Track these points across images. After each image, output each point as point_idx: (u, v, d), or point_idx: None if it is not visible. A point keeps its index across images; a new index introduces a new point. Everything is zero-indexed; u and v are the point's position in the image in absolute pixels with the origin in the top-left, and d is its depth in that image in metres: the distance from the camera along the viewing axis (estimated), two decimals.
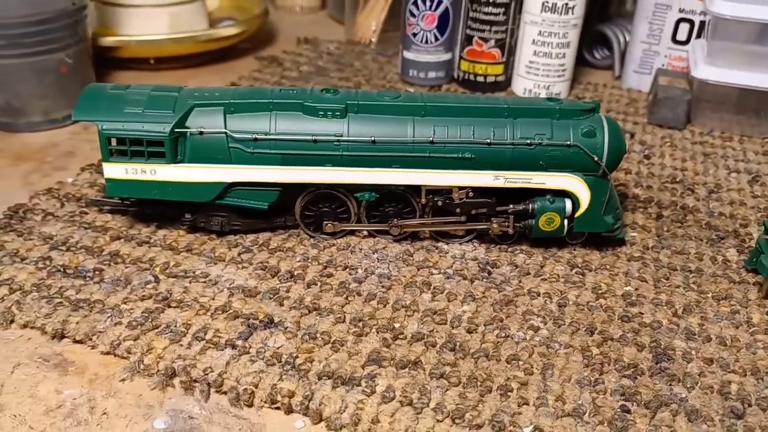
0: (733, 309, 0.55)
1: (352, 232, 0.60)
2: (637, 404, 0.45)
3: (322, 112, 0.55)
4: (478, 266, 0.57)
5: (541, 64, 0.88)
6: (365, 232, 0.60)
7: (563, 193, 0.57)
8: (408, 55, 0.91)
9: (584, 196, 0.56)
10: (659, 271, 0.58)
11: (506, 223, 0.58)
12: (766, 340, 0.51)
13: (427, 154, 0.55)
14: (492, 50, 0.89)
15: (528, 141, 0.55)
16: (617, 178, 0.73)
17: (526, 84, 0.90)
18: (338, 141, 0.55)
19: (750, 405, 0.46)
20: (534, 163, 0.56)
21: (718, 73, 0.82)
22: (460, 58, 0.92)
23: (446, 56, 0.91)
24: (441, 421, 0.43)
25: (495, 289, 0.55)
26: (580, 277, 0.57)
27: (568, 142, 0.55)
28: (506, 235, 0.59)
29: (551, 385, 0.46)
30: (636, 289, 0.56)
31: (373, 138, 0.55)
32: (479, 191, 0.57)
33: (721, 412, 0.45)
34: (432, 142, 0.55)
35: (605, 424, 0.43)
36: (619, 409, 0.45)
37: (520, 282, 0.56)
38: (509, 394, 0.45)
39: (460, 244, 0.60)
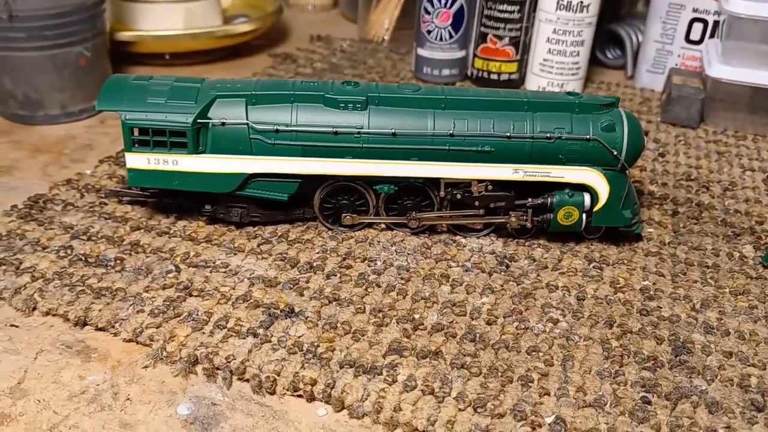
0: (751, 304, 0.55)
1: (370, 225, 0.60)
2: (657, 396, 0.45)
3: (343, 105, 0.55)
4: (496, 260, 0.58)
5: (555, 62, 0.88)
6: (383, 225, 0.60)
7: (582, 187, 0.57)
8: (422, 52, 0.92)
9: (603, 190, 0.56)
10: (676, 267, 0.58)
11: (524, 217, 0.58)
12: None
13: (447, 147, 0.55)
14: (506, 48, 0.89)
15: (548, 135, 0.55)
16: (633, 175, 0.73)
17: (540, 82, 0.90)
18: (359, 133, 0.55)
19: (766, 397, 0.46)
20: (553, 157, 0.56)
21: (732, 72, 0.82)
22: (474, 55, 0.92)
23: (460, 54, 0.92)
24: (463, 410, 0.43)
25: (513, 282, 0.55)
26: (598, 271, 0.57)
27: (588, 136, 0.55)
28: (524, 229, 0.59)
29: (572, 376, 0.46)
30: (654, 284, 0.56)
31: (393, 130, 0.55)
32: (498, 185, 0.57)
33: (742, 404, 0.45)
34: (452, 135, 0.55)
35: (626, 415, 0.44)
36: (639, 401, 0.45)
37: (538, 275, 0.56)
38: (530, 384, 0.45)
39: (478, 237, 0.60)
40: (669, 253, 0.60)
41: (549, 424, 0.42)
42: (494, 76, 0.91)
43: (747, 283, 0.57)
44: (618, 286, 0.56)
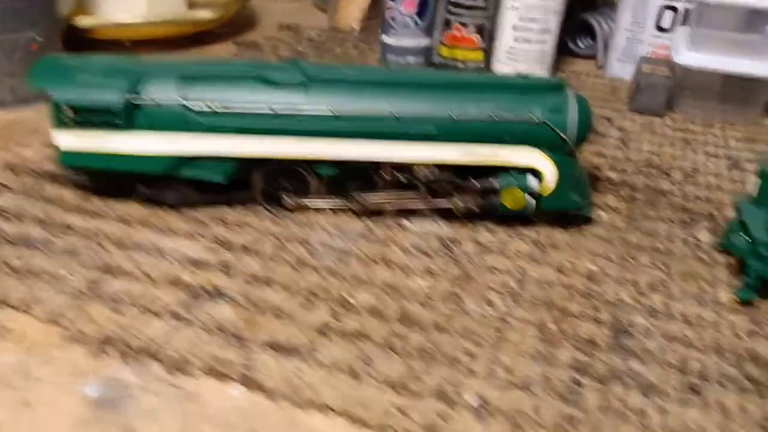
0: (700, 288, 0.53)
1: (313, 208, 0.59)
2: (590, 378, 0.43)
3: (282, 84, 0.54)
4: (440, 243, 0.56)
5: (521, 51, 0.87)
6: (327, 209, 0.59)
7: (529, 171, 0.56)
8: (387, 39, 0.90)
9: (550, 172, 0.55)
10: (627, 251, 0.57)
11: (471, 200, 0.56)
12: (733, 319, 0.50)
13: (391, 129, 0.54)
14: (471, 36, 0.88)
15: (493, 116, 0.54)
16: (591, 161, 0.71)
17: (506, 70, 0.89)
18: (298, 113, 0.53)
19: (709, 382, 0.44)
20: (499, 139, 0.54)
21: (700, 59, 0.80)
22: (440, 43, 0.91)
23: (426, 41, 0.90)
24: (382, 391, 0.41)
25: (455, 265, 0.53)
26: (544, 254, 0.56)
27: (535, 118, 0.54)
28: (471, 213, 0.58)
29: (502, 358, 0.44)
30: (601, 268, 0.55)
31: (334, 111, 0.53)
32: (443, 167, 0.55)
33: (678, 387, 0.43)
34: (395, 116, 0.54)
35: (554, 396, 0.42)
36: (570, 382, 0.43)
37: (482, 259, 0.54)
38: (457, 365, 0.44)
39: (424, 221, 0.58)
40: (620, 238, 0.59)
41: (471, 405, 0.41)
42: (460, 65, 0.90)
43: (699, 267, 0.55)
44: (563, 270, 0.54)
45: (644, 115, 0.84)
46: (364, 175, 0.56)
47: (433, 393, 0.41)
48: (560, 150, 0.55)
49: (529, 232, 0.58)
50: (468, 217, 0.59)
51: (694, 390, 0.43)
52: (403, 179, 0.55)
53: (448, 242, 0.56)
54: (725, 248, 0.56)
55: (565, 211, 0.57)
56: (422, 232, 0.57)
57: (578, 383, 0.43)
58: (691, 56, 0.80)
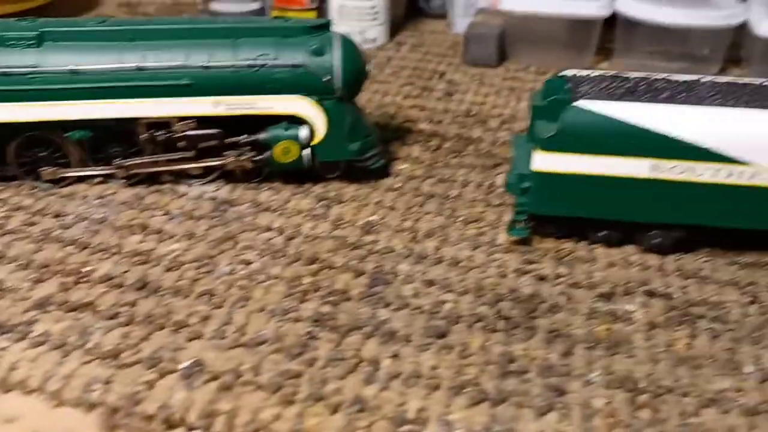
0: (480, 231, 0.51)
1: (82, 179, 0.54)
2: (328, 330, 0.41)
3: (11, 42, 0.49)
4: (213, 206, 0.53)
5: (352, 8, 0.84)
6: (97, 179, 0.54)
7: (302, 121, 0.53)
8: (215, 6, 0.86)
9: (319, 121, 0.52)
10: (414, 200, 0.54)
11: (243, 157, 0.53)
12: (504, 259, 0.48)
13: (138, 83, 0.50)
14: None
15: (250, 63, 0.51)
16: (408, 115, 0.69)
17: (342, 29, 0.86)
18: (32, 74, 0.49)
19: (457, 323, 0.42)
20: (261, 88, 0.51)
21: (524, 3, 0.78)
22: (271, 7, 0.87)
23: (255, 5, 0.86)
24: (88, 363, 0.38)
25: (221, 227, 0.50)
26: (325, 209, 0.53)
27: (295, 63, 0.51)
28: (254, 171, 0.55)
29: (236, 318, 0.41)
30: (382, 218, 0.52)
31: (73, 68, 0.49)
32: (205, 122, 0.52)
33: (422, 332, 0.41)
34: (140, 69, 0.50)
35: (282, 352, 0.39)
36: (305, 337, 0.40)
37: (255, 219, 0.51)
38: (183, 330, 0.40)
39: (202, 184, 0.55)
40: (412, 188, 0.56)
41: (182, 369, 0.38)
42: None
43: (484, 210, 0.53)
44: (339, 223, 0.51)
45: (478, 66, 0.82)
46: (125, 138, 0.52)
47: (146, 361, 0.38)
48: (330, 96, 0.52)
49: (318, 189, 0.55)
50: (251, 177, 0.55)
51: (439, 334, 0.41)
52: (161, 138, 0.51)
53: (222, 204, 0.53)
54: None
55: (343, 161, 0.54)
56: (197, 195, 0.54)
57: (314, 337, 0.40)
58: (514, 1, 0.78)
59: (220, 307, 0.42)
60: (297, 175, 0.56)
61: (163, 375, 0.37)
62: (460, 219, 0.52)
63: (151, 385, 0.37)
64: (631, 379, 0.38)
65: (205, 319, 0.41)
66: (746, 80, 0.48)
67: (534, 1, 0.77)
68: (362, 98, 0.72)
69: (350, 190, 0.55)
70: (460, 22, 0.92)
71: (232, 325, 0.41)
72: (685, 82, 0.48)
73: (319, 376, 0.38)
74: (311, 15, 0.86)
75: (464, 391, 0.37)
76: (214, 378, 0.37)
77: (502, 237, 0.50)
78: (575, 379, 0.38)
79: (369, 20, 0.84)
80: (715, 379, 0.38)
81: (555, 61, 0.82)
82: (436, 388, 0.37)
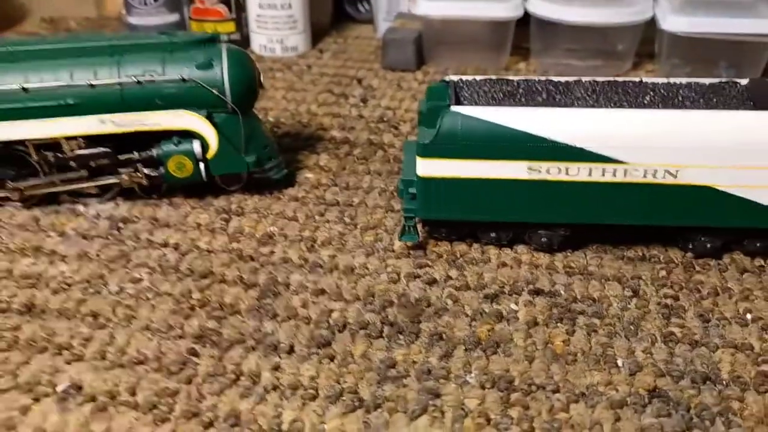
0: (377, 237, 0.51)
1: None
2: (211, 346, 0.41)
3: None
4: (111, 224, 0.52)
5: (269, 17, 0.84)
6: None
7: (195, 135, 0.53)
8: (131, 20, 0.85)
9: (210, 135, 0.51)
10: (316, 209, 0.55)
11: (138, 174, 0.53)
12: (396, 265, 0.48)
13: (23, 104, 0.49)
14: (216, 7, 0.84)
15: (137, 79, 0.50)
16: (322, 122, 0.69)
17: (260, 40, 0.86)
18: None
19: (342, 331, 0.42)
20: (150, 103, 0.51)
21: (438, 7, 0.79)
22: (190, 18, 0.87)
23: (172, 17, 0.86)
24: None
25: (116, 245, 0.50)
26: (224, 223, 0.53)
27: (183, 77, 0.51)
28: (153, 187, 0.54)
29: (119, 337, 0.41)
30: (281, 229, 0.52)
31: None
32: (94, 141, 0.51)
33: (306, 342, 0.41)
34: (25, 90, 0.49)
35: (161, 370, 0.39)
36: (186, 354, 0.40)
37: (150, 235, 0.51)
38: (65, 352, 0.40)
39: (100, 203, 0.55)
40: (316, 196, 0.56)
41: (59, 392, 0.38)
42: None
43: (384, 216, 0.53)
44: (237, 236, 0.51)
45: (396, 71, 0.83)
46: (17, 160, 0.52)
47: (23, 386, 0.38)
48: (222, 109, 0.52)
49: (219, 202, 0.55)
50: (150, 193, 0.55)
51: (322, 343, 0.41)
52: (51, 158, 0.51)
53: (119, 223, 0.52)
54: None
55: (238, 174, 0.54)
56: (95, 214, 0.53)
57: (195, 354, 0.40)
58: (427, 5, 0.79)
59: (103, 327, 0.42)
60: (198, 188, 0.56)
61: (39, 399, 0.37)
62: (359, 226, 0.52)
63: (26, 409, 0.37)
64: (506, 378, 0.39)
65: (88, 340, 0.41)
66: (624, 79, 0.49)
67: (448, 5, 0.78)
68: (277, 108, 0.72)
69: (252, 201, 0.55)
70: (384, 27, 0.93)
71: (114, 345, 0.41)
72: (565, 83, 0.49)
73: (196, 393, 0.38)
74: (229, 26, 0.86)
75: (341, 399, 0.38)
76: (91, 399, 0.37)
77: (398, 243, 0.50)
78: (452, 381, 0.39)
79: (288, 29, 0.84)
80: (587, 374, 0.39)
81: (472, 63, 0.83)
82: (313, 398, 0.38)
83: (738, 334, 0.42)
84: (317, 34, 0.93)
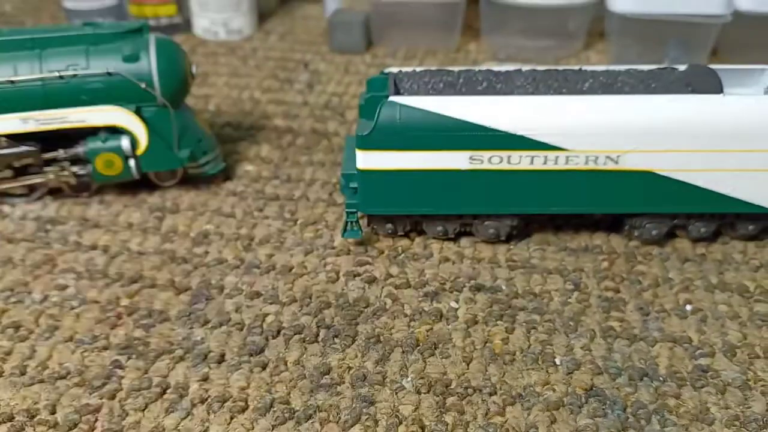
0: (318, 234, 0.50)
1: None
2: (136, 357, 0.39)
3: None
4: (38, 226, 0.50)
5: None
6: None
7: (123, 131, 0.50)
8: (69, 4, 0.81)
9: (139, 130, 0.49)
10: (255, 204, 0.53)
11: (65, 172, 0.50)
12: (336, 263, 0.47)
13: None
14: None
15: (59, 74, 0.48)
16: (265, 111, 0.67)
17: (202, 23, 0.82)
18: None
19: (276, 337, 0.41)
20: (75, 99, 0.48)
21: None
22: (129, 2, 0.83)
23: (111, 1, 0.82)
24: None
25: (41, 249, 0.48)
26: (157, 222, 0.51)
27: (108, 71, 0.48)
28: (82, 186, 0.52)
29: (40, 350, 0.39)
30: (217, 227, 0.50)
31: None
32: (17, 139, 0.49)
33: (237, 351, 0.40)
34: None
35: (83, 385, 0.37)
36: (110, 366, 0.39)
37: (79, 237, 0.49)
38: None
39: (27, 203, 0.52)
40: (255, 191, 0.54)
41: None
42: (153, 22, 0.83)
43: (325, 212, 0.52)
44: (170, 235, 0.49)
45: (344, 54, 0.80)
46: None
47: None
48: (151, 103, 0.50)
49: (153, 199, 0.53)
50: (81, 192, 0.53)
51: (255, 351, 0.40)
52: None
53: (46, 224, 0.50)
54: None
55: (171, 170, 0.52)
56: (21, 216, 0.51)
57: (120, 366, 0.39)
58: None
59: (25, 339, 0.40)
60: (132, 185, 0.53)
61: None
62: (299, 222, 0.51)
63: None
64: (443, 381, 0.38)
65: (8, 354, 0.39)
66: (564, 67, 0.48)
67: None
68: (219, 95, 0.70)
69: (188, 197, 0.53)
70: (332, 6, 0.90)
71: (35, 359, 0.39)
72: (505, 72, 0.48)
73: (119, 409, 0.36)
74: (170, 9, 0.82)
75: (271, 410, 0.36)
76: (8, 419, 0.35)
77: (339, 239, 0.49)
78: (387, 387, 0.38)
79: (232, 10, 0.81)
80: (525, 374, 0.38)
81: (422, 44, 0.81)
82: (242, 410, 0.36)
83: (677, 326, 0.42)
84: (262, 15, 0.90)
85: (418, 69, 0.49)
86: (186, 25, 0.84)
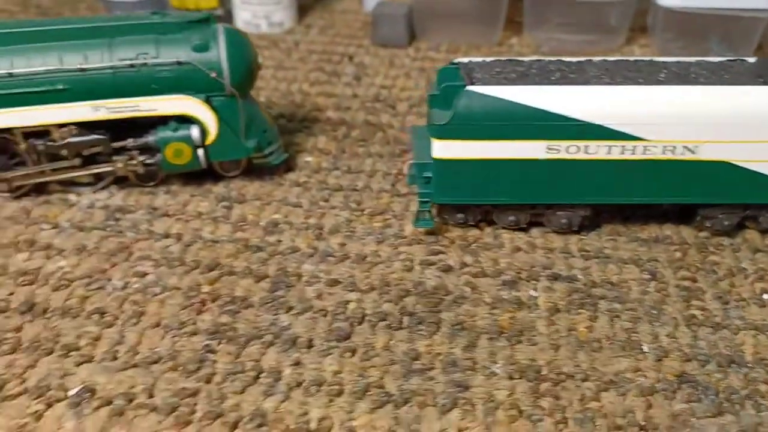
0: (386, 223, 0.50)
1: None
2: (226, 342, 0.39)
3: None
4: (106, 215, 0.50)
5: None
6: None
7: (191, 120, 0.50)
8: None
9: (209, 120, 0.49)
10: (320, 194, 0.53)
11: (133, 161, 0.50)
12: (409, 252, 0.47)
13: (9, 91, 0.47)
14: None
15: (130, 62, 0.48)
16: (316, 103, 0.67)
17: (244, 15, 0.82)
18: None
19: (361, 323, 0.41)
20: (144, 88, 0.48)
21: None
22: None
23: None
24: None
25: (114, 237, 0.48)
26: (226, 211, 0.51)
27: (178, 60, 0.48)
28: (149, 175, 0.52)
29: (128, 336, 0.40)
30: (285, 217, 0.50)
31: None
32: (87, 127, 0.49)
33: (324, 336, 0.40)
34: (11, 76, 0.47)
35: (177, 370, 0.38)
36: (203, 351, 0.39)
37: (150, 226, 0.49)
38: (72, 353, 0.38)
39: (94, 192, 0.52)
40: (318, 181, 0.55)
41: (71, 396, 0.36)
42: None
43: (391, 201, 0.52)
44: (241, 224, 0.50)
45: (387, 47, 0.81)
46: (3, 149, 0.49)
47: (33, 390, 0.36)
48: (219, 93, 0.50)
49: (219, 189, 0.53)
50: (147, 181, 0.53)
51: (342, 336, 0.40)
52: (41, 147, 0.48)
53: (115, 213, 0.50)
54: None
55: (238, 159, 0.52)
56: (88, 204, 0.51)
57: (211, 350, 0.39)
58: None
59: (111, 325, 0.40)
60: (196, 175, 0.53)
61: (51, 404, 0.35)
62: (366, 212, 0.51)
63: (38, 416, 0.35)
64: (533, 367, 0.38)
65: (96, 340, 0.39)
66: (634, 57, 0.48)
67: None
68: (268, 88, 0.70)
69: (253, 188, 0.53)
70: (371, 1, 0.90)
71: (125, 344, 0.39)
72: (577, 62, 0.48)
73: (217, 392, 0.36)
74: (212, 1, 0.83)
75: (367, 394, 0.37)
76: (106, 403, 0.36)
77: (409, 228, 0.49)
78: (479, 373, 0.38)
79: (273, 3, 0.81)
80: (614, 361, 0.39)
81: (464, 38, 0.81)
82: (339, 394, 0.37)
83: (757, 315, 0.42)
84: (301, 9, 0.91)
85: (487, 59, 0.49)
86: (228, 18, 0.84)
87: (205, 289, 0.43)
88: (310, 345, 0.39)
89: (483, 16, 0.81)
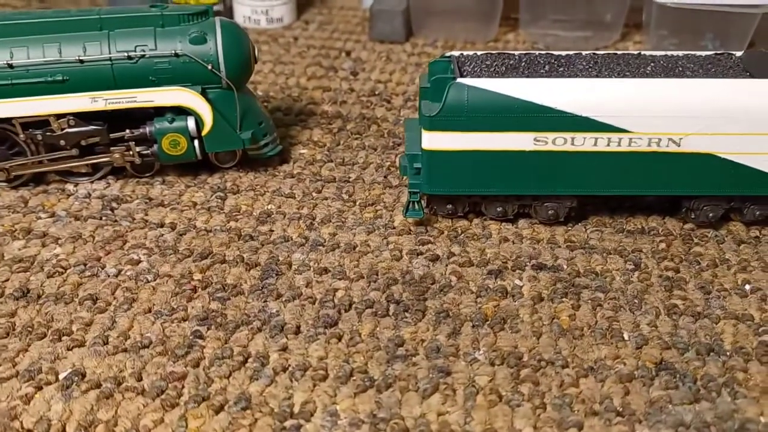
0: (377, 214, 0.51)
1: None
2: (215, 328, 0.40)
3: None
4: (103, 204, 0.51)
5: None
6: None
7: (188, 112, 0.51)
8: None
9: (205, 111, 0.50)
10: (313, 185, 0.54)
11: (130, 152, 0.51)
12: (398, 242, 0.48)
13: (9, 81, 0.48)
14: None
15: (128, 54, 0.49)
16: (312, 96, 0.68)
17: (243, 11, 0.83)
18: None
19: (348, 311, 0.42)
20: (142, 80, 0.49)
21: None
22: None
23: None
24: None
25: (109, 226, 0.49)
26: (220, 201, 0.52)
27: (175, 52, 0.49)
28: (145, 166, 0.53)
29: (120, 321, 0.41)
30: (278, 207, 0.51)
31: None
32: (84, 118, 0.50)
33: (312, 323, 0.41)
34: (11, 66, 0.48)
35: (166, 354, 0.38)
36: (192, 337, 0.40)
37: (145, 215, 0.50)
38: (64, 338, 0.39)
39: (91, 182, 0.53)
40: (311, 173, 0.55)
41: (61, 379, 0.37)
42: None
43: (383, 192, 0.53)
44: (234, 214, 0.50)
45: (385, 43, 0.81)
46: (2, 139, 0.50)
47: (24, 373, 0.37)
48: (216, 85, 0.51)
49: (214, 180, 0.54)
50: (143, 172, 0.54)
51: (329, 323, 0.41)
52: (40, 137, 0.49)
53: (112, 203, 0.51)
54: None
55: (233, 150, 0.53)
56: (85, 194, 0.52)
57: (200, 336, 0.40)
58: None
59: (104, 311, 0.41)
60: (192, 166, 0.54)
61: (41, 387, 0.36)
62: (358, 203, 0.52)
63: (28, 398, 0.36)
64: (515, 354, 0.39)
65: (88, 325, 0.40)
66: (623, 52, 0.49)
67: None
68: (266, 82, 0.71)
69: (247, 179, 0.54)
70: None
71: (116, 329, 0.40)
72: (566, 56, 0.49)
73: (204, 376, 0.37)
74: None
75: (351, 379, 0.37)
76: (95, 386, 0.37)
77: (399, 219, 0.50)
78: (461, 359, 0.39)
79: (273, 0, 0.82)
80: (595, 348, 0.39)
81: (461, 34, 0.82)
82: (323, 378, 0.37)
83: (738, 305, 0.43)
84: (300, 4, 0.92)
85: (479, 53, 0.50)
86: (227, 13, 0.85)
87: (197, 276, 0.44)
88: (297, 331, 0.40)
89: (479, 12, 0.81)
